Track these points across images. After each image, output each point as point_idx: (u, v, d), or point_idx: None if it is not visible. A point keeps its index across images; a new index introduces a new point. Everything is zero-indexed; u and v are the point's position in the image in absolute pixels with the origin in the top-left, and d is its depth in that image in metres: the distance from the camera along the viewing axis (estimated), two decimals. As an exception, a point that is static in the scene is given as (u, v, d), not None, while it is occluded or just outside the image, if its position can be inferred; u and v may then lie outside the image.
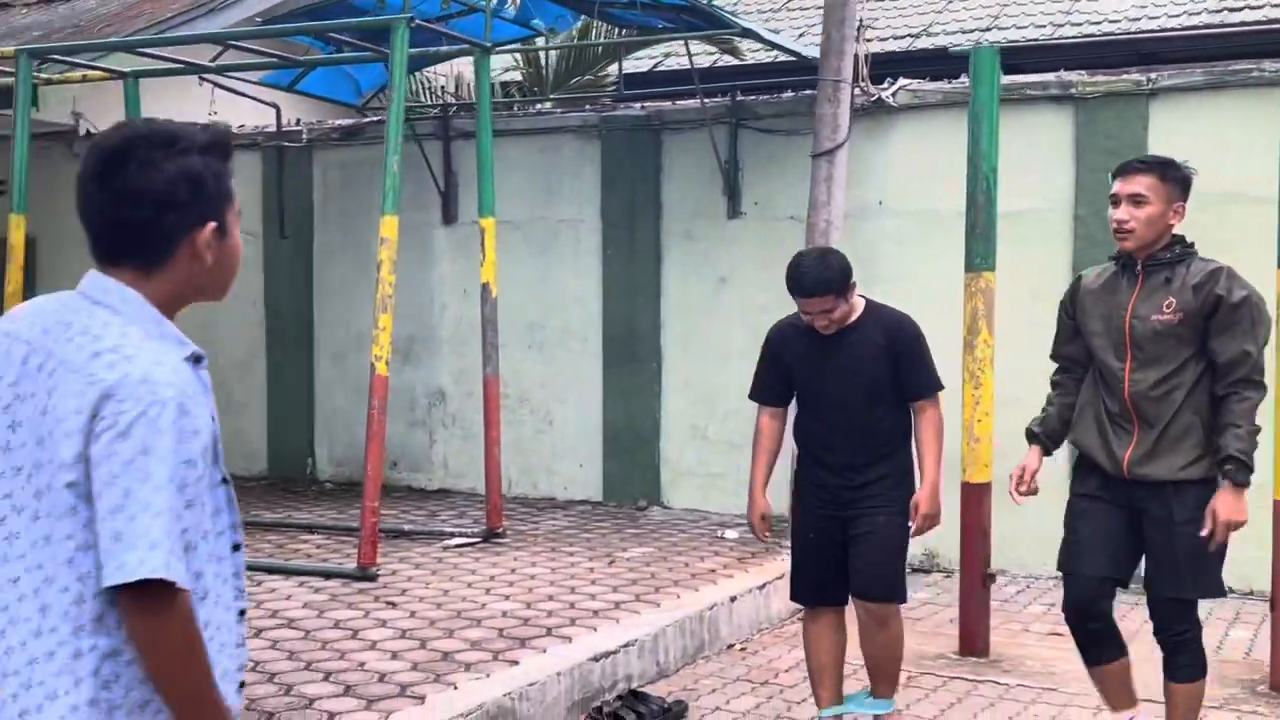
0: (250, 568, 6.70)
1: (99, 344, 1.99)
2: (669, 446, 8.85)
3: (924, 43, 11.23)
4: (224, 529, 2.10)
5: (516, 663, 5.10)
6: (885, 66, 8.88)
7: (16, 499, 2.00)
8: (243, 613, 2.16)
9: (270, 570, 6.69)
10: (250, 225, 10.16)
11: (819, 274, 4.47)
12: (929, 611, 6.94)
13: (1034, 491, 4.57)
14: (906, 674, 5.74)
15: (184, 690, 1.95)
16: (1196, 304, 4.07)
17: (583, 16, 9.06)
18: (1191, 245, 4.21)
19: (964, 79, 7.21)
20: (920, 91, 8.14)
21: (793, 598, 4.82)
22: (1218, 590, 4.32)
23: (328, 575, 6.59)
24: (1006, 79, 7.96)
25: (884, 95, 8.13)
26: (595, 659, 5.26)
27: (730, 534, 7.79)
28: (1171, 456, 4.12)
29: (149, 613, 1.91)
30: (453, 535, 7.60)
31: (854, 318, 4.61)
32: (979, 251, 6.08)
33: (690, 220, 8.81)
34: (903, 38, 11.69)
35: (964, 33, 11.34)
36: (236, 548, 2.14)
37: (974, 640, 6.06)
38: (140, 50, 8.07)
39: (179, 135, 2.09)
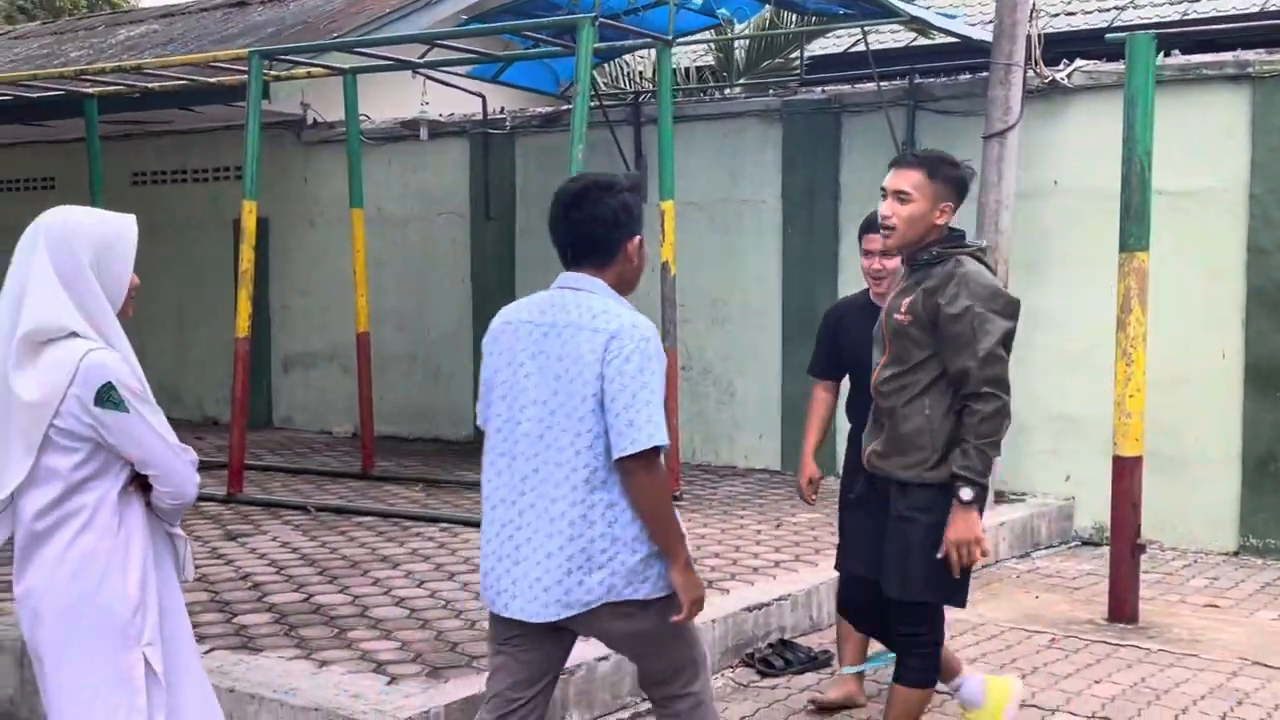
0: (449, 520, 7.43)
1: (593, 310, 3.27)
2: (844, 419, 9.18)
3: (1097, 19, 11.21)
4: None
5: (676, 610, 5.60)
6: (1061, 45, 8.99)
7: (543, 419, 3.25)
8: None
9: (467, 523, 7.33)
10: (458, 207, 10.96)
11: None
12: (1090, 581, 7.14)
13: None
14: (1050, 636, 6.03)
15: (665, 516, 3.25)
16: (924, 310, 3.92)
17: (767, 5, 9.42)
18: (961, 246, 3.99)
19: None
20: (1095, 73, 8.25)
21: (836, 567, 4.83)
22: (955, 598, 4.03)
23: (516, 529, 7.23)
24: (1181, 59, 8.06)
25: (1058, 77, 8.28)
26: (749, 609, 5.71)
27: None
28: (900, 455, 3.97)
29: (650, 469, 3.20)
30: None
31: None
32: (1133, 232, 6.26)
33: (868, 200, 9.08)
34: (1073, 13, 11.69)
35: (1155, 4, 11.27)
36: None
37: (1123, 608, 6.27)
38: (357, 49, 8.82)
39: (614, 182, 3.36)
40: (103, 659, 3.07)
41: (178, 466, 3.16)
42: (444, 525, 7.35)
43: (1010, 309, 3.94)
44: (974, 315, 3.84)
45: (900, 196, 3.97)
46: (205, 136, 12.08)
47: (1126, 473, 6.30)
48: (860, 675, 5.09)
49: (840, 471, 5.08)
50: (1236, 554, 7.81)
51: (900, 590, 4.01)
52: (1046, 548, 8.03)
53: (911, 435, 3.96)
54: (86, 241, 3.11)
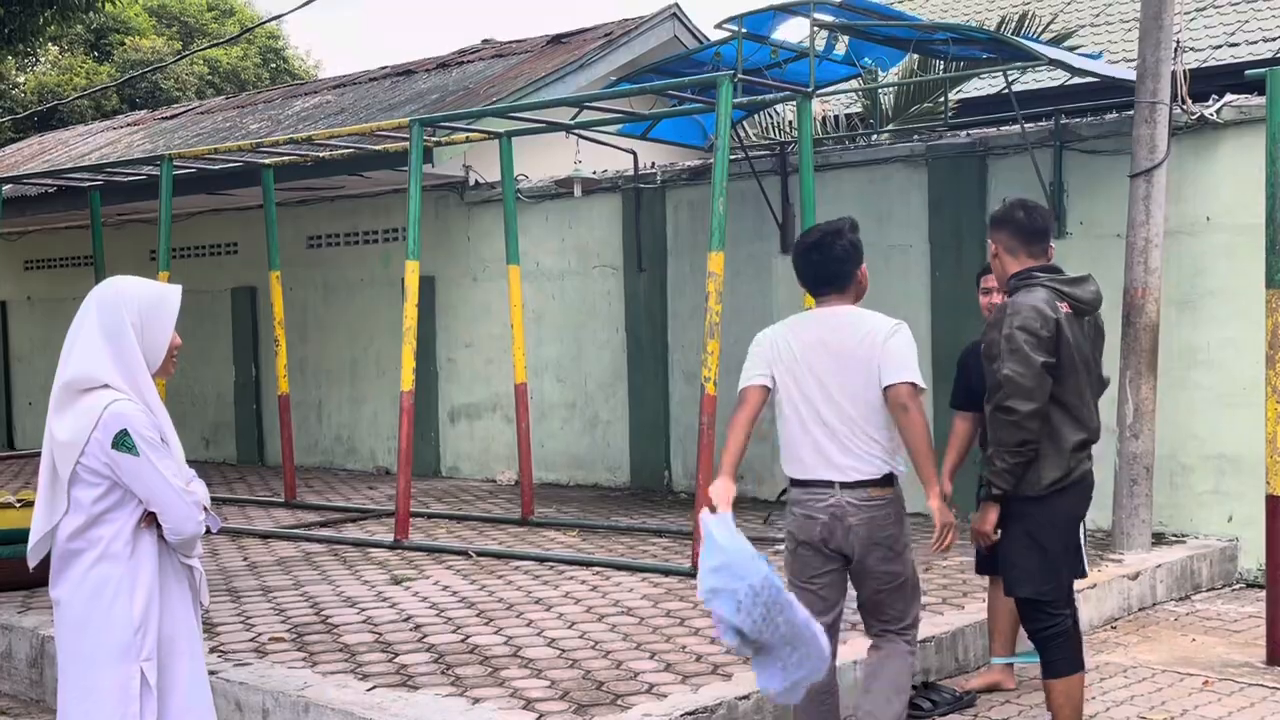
0: (602, 564, 7.66)
1: (862, 320, 4.42)
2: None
3: (1263, 49, 10.98)
4: None
5: (818, 650, 5.71)
6: (1223, 79, 8.87)
7: (837, 398, 4.37)
8: None
9: (619, 567, 7.59)
10: (611, 259, 11.29)
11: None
12: (1250, 624, 6.98)
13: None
14: (1204, 679, 5.94)
15: (926, 440, 4.32)
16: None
17: (910, 53, 9.53)
18: (1030, 277, 4.65)
19: None
20: (1245, 107, 8.13)
21: (977, 570, 5.91)
22: (1046, 589, 4.67)
23: (666, 573, 7.43)
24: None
25: (1206, 113, 8.18)
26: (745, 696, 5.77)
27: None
28: None
29: (915, 398, 4.31)
30: (781, 541, 8.24)
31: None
32: (1278, 268, 6.17)
33: (1016, 242, 9.09)
34: (1219, 46, 11.45)
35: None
36: None
37: (1280, 651, 6.14)
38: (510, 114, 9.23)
39: (842, 228, 4.49)
40: (105, 669, 3.55)
41: (178, 506, 3.58)
42: (597, 569, 7.59)
43: (1033, 325, 4.47)
44: (1002, 337, 4.51)
45: (987, 247, 4.98)
46: (374, 200, 12.72)
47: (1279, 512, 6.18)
48: (1009, 665, 5.77)
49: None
50: None
51: (1007, 589, 4.74)
52: (1208, 590, 7.87)
53: None
54: (132, 305, 3.57)
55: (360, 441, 13.12)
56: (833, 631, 4.50)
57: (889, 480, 4.38)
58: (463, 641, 5.99)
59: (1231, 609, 7.40)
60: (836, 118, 12.76)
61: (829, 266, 4.43)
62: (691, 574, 7.28)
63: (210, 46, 24.81)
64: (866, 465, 4.35)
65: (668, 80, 8.71)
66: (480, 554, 8.12)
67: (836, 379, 4.36)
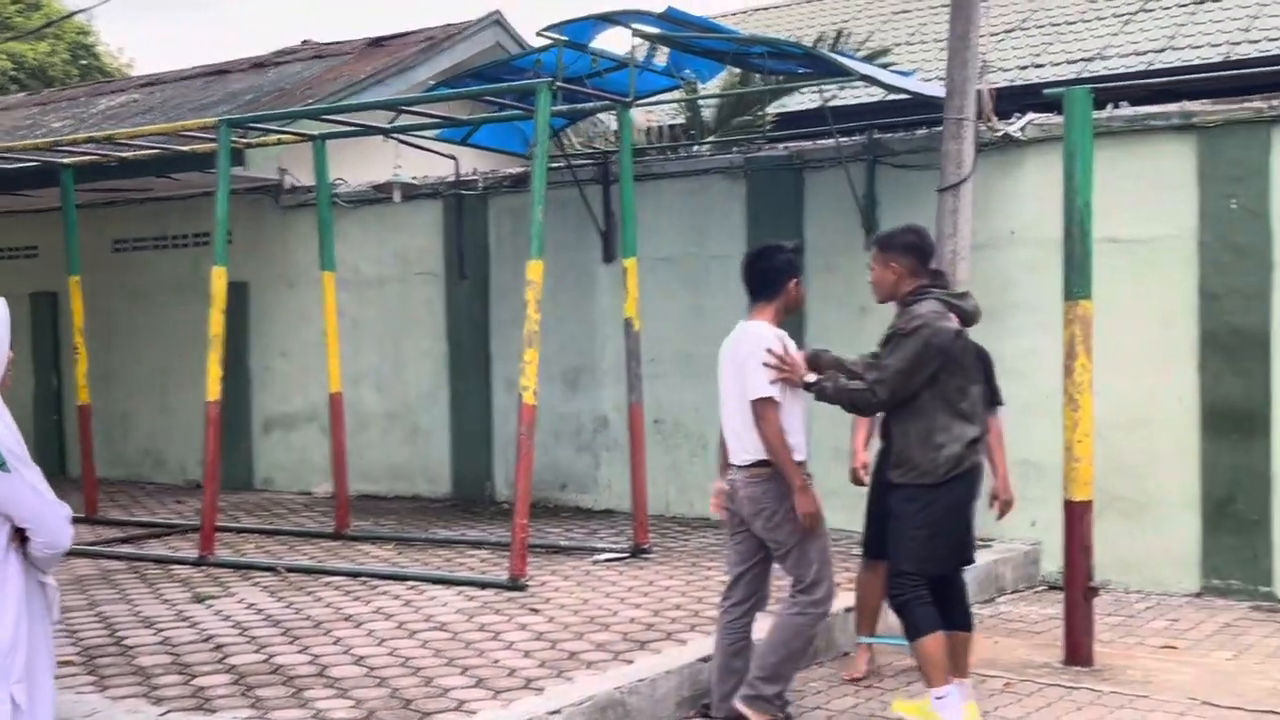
0: (415, 578, 7.51)
1: (747, 335, 5.17)
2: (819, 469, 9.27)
3: (1066, 71, 11.44)
4: None
5: (631, 661, 5.68)
6: (1030, 98, 9.18)
7: (728, 401, 5.22)
8: None
9: (434, 580, 7.44)
10: (433, 266, 11.12)
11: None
12: (1051, 625, 7.20)
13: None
14: (1005, 680, 6.10)
15: (779, 446, 5.06)
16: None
17: (728, 67, 9.61)
18: (925, 292, 5.26)
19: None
20: (1047, 125, 8.43)
21: (865, 553, 6.22)
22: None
23: (483, 585, 7.31)
24: (1129, 111, 8.25)
25: (1010, 130, 8.45)
26: (705, 660, 5.78)
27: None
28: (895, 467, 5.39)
29: (765, 413, 5.06)
30: (602, 551, 8.24)
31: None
32: (1075, 281, 6.40)
33: (831, 253, 9.26)
34: (1025, 68, 11.92)
35: (1122, 55, 11.49)
36: None
37: (1078, 651, 6.34)
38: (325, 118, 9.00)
39: (782, 245, 5.38)
40: None
41: (53, 520, 3.46)
42: (411, 584, 7.43)
43: (925, 334, 5.09)
44: (904, 337, 5.13)
45: (870, 269, 5.46)
46: (185, 203, 12.27)
47: (1077, 517, 6.40)
48: (871, 645, 6.27)
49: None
50: (1199, 595, 7.89)
51: (894, 563, 5.32)
52: (1012, 593, 8.11)
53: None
54: None
55: (169, 454, 12.64)
56: (743, 584, 5.38)
57: (765, 464, 5.15)
58: (265, 661, 5.78)
59: (1033, 611, 7.64)
60: (660, 129, 12.83)
61: (764, 274, 5.29)
62: (509, 586, 7.19)
63: (10, 39, 23.68)
64: (748, 455, 5.20)
65: (486, 85, 8.61)
66: (290, 570, 7.88)
67: (728, 386, 5.27)
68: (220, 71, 14.01)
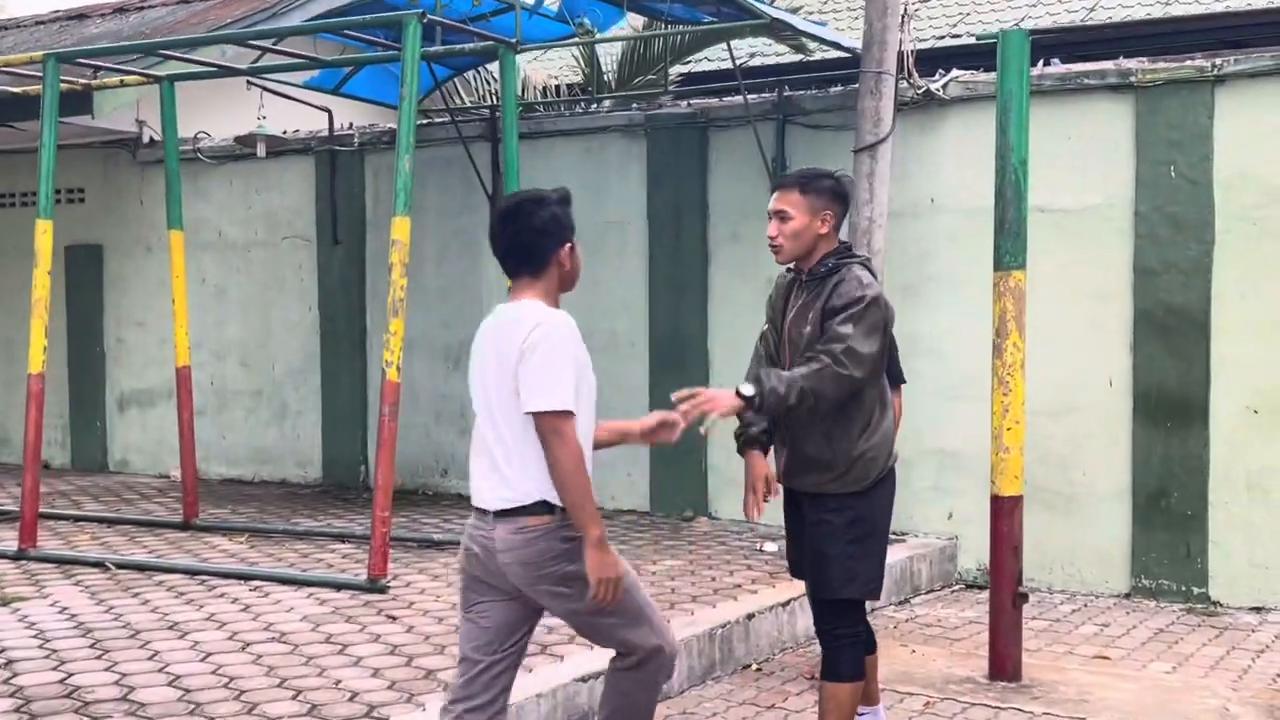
0: (260, 577, 6.62)
1: (521, 321, 3.48)
2: (717, 454, 8.53)
3: (976, 28, 10.82)
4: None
5: (496, 683, 4.86)
6: (939, 60, 8.52)
7: (493, 396, 3.53)
8: None
9: (282, 580, 6.56)
10: (304, 230, 10.17)
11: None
12: (972, 630, 6.55)
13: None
14: (925, 699, 5.40)
15: (574, 481, 3.39)
16: (824, 321, 4.11)
17: (627, 13, 8.81)
18: (852, 257, 4.25)
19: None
20: (972, 83, 7.75)
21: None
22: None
23: (338, 587, 6.45)
24: (1061, 68, 7.59)
25: (933, 87, 7.75)
26: (584, 679, 5.00)
27: (770, 547, 7.47)
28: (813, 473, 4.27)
29: (557, 430, 3.40)
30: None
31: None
32: (1008, 249, 5.68)
33: (738, 221, 8.50)
34: (955, 25, 11.29)
35: (1052, 13, 10.88)
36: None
37: (1004, 664, 5.66)
38: (181, 56, 8.02)
39: (544, 196, 3.62)
40: None
41: None
42: (255, 584, 6.53)
43: (883, 305, 4.12)
44: (864, 308, 4.05)
45: (781, 216, 4.21)
46: (35, 157, 11.11)
47: (1006, 514, 5.70)
48: None
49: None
50: (1128, 596, 7.28)
51: (832, 590, 4.25)
52: (928, 592, 7.45)
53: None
54: None
55: (15, 431, 11.51)
56: (488, 678, 3.62)
57: (545, 507, 3.50)
58: (62, 682, 4.86)
59: (952, 614, 6.96)
60: (558, 87, 11.98)
61: (521, 241, 3.56)
62: (367, 588, 6.34)
63: None
64: (515, 494, 3.51)
65: (347, 19, 7.69)
66: (120, 566, 6.93)
67: (495, 391, 3.55)
68: (79, 16, 12.85)
